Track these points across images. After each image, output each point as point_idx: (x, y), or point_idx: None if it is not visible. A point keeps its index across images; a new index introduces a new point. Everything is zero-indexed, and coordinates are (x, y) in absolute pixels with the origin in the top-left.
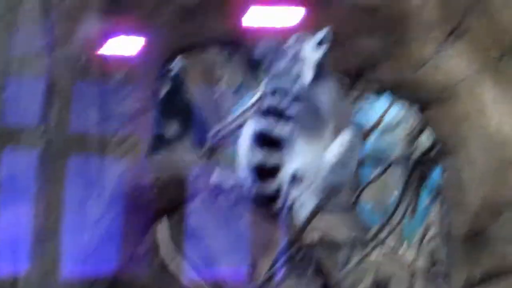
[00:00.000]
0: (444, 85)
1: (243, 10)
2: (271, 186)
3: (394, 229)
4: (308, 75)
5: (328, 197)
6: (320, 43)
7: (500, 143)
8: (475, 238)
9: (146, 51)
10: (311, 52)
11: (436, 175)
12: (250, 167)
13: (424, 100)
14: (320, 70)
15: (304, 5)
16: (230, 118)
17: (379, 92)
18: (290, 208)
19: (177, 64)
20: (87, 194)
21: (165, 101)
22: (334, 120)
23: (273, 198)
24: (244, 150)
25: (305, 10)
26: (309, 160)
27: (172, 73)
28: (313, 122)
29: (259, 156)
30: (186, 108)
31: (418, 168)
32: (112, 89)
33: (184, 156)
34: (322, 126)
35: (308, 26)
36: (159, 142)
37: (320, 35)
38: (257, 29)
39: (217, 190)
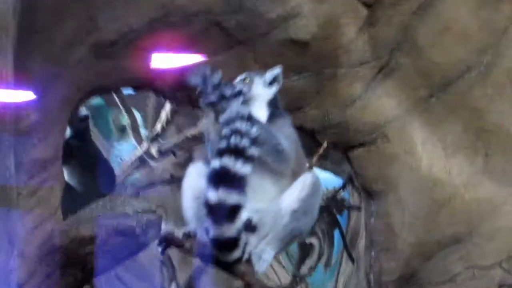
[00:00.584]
0: (372, 126)
1: (160, 49)
2: (230, 229)
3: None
4: (262, 114)
5: (286, 247)
6: (271, 82)
7: (430, 185)
8: (406, 283)
9: (58, 93)
10: (261, 91)
11: (344, 221)
12: (206, 209)
13: (351, 141)
14: (274, 110)
15: (229, 42)
16: (127, 163)
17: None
18: (248, 260)
19: (82, 108)
20: (8, 253)
21: (69, 147)
22: (292, 161)
23: (231, 244)
24: (190, 194)
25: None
26: (266, 204)
27: (77, 117)
28: (273, 163)
29: (217, 196)
30: (91, 154)
31: (325, 214)
32: (22, 136)
33: (125, 206)
34: (281, 168)
35: (234, 64)
36: (70, 193)
37: (270, 74)
38: (171, 70)
39: (169, 240)
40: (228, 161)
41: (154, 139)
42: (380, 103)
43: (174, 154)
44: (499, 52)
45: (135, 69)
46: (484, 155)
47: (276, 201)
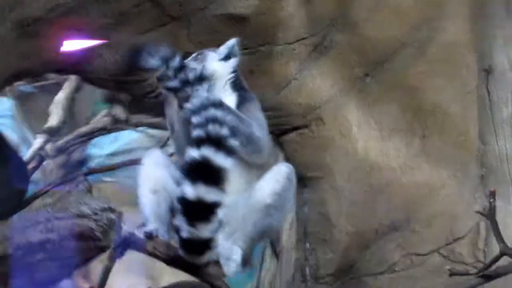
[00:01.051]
0: (306, 108)
1: (88, 28)
2: (205, 230)
3: None
4: (230, 99)
5: (255, 246)
6: (227, 56)
7: (367, 170)
8: (345, 275)
9: None
10: (218, 67)
11: None
12: (181, 206)
13: (285, 124)
14: (242, 93)
15: (163, 18)
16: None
17: None
18: (216, 261)
19: None
20: None
21: None
22: (266, 151)
23: (204, 245)
24: (148, 187)
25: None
26: (233, 198)
27: None
28: (246, 153)
29: (195, 191)
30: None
31: None
32: None
33: (80, 205)
34: (254, 158)
35: (167, 42)
36: None
37: (225, 47)
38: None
39: (129, 243)
40: (209, 152)
41: (50, 133)
42: (315, 84)
43: (69, 152)
44: (434, 28)
45: (60, 51)
46: (421, 136)
47: (246, 194)
